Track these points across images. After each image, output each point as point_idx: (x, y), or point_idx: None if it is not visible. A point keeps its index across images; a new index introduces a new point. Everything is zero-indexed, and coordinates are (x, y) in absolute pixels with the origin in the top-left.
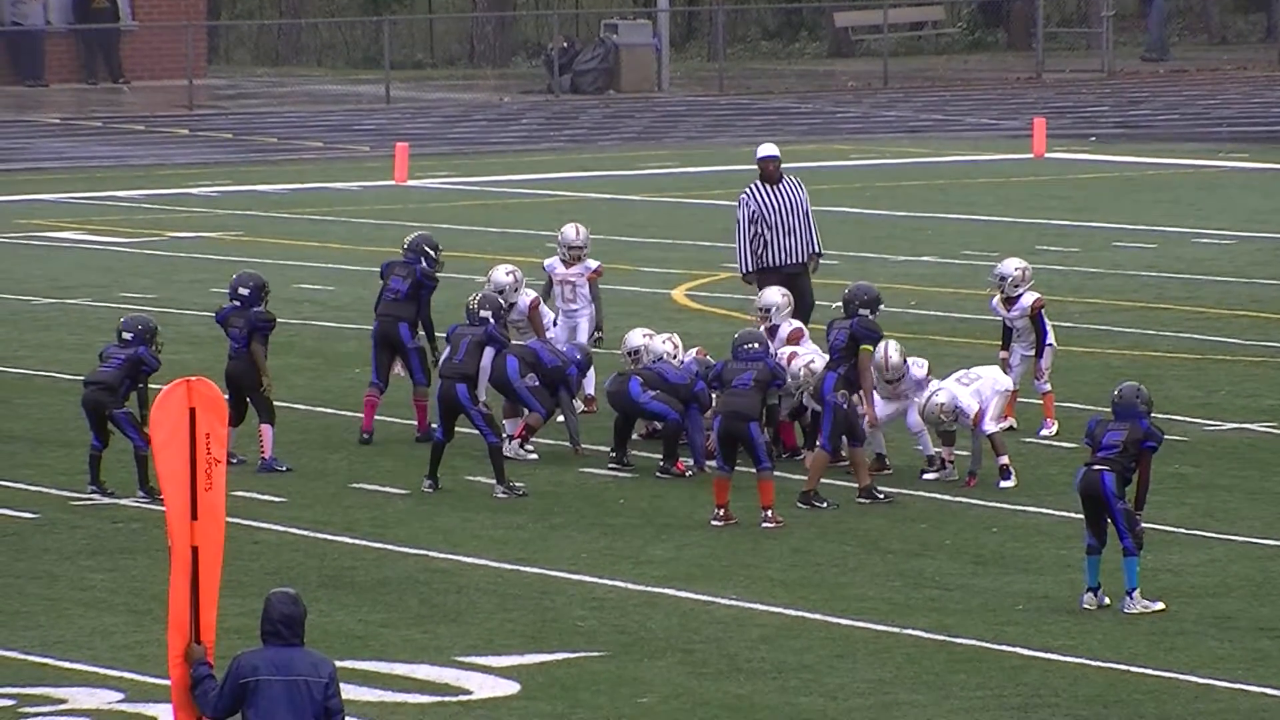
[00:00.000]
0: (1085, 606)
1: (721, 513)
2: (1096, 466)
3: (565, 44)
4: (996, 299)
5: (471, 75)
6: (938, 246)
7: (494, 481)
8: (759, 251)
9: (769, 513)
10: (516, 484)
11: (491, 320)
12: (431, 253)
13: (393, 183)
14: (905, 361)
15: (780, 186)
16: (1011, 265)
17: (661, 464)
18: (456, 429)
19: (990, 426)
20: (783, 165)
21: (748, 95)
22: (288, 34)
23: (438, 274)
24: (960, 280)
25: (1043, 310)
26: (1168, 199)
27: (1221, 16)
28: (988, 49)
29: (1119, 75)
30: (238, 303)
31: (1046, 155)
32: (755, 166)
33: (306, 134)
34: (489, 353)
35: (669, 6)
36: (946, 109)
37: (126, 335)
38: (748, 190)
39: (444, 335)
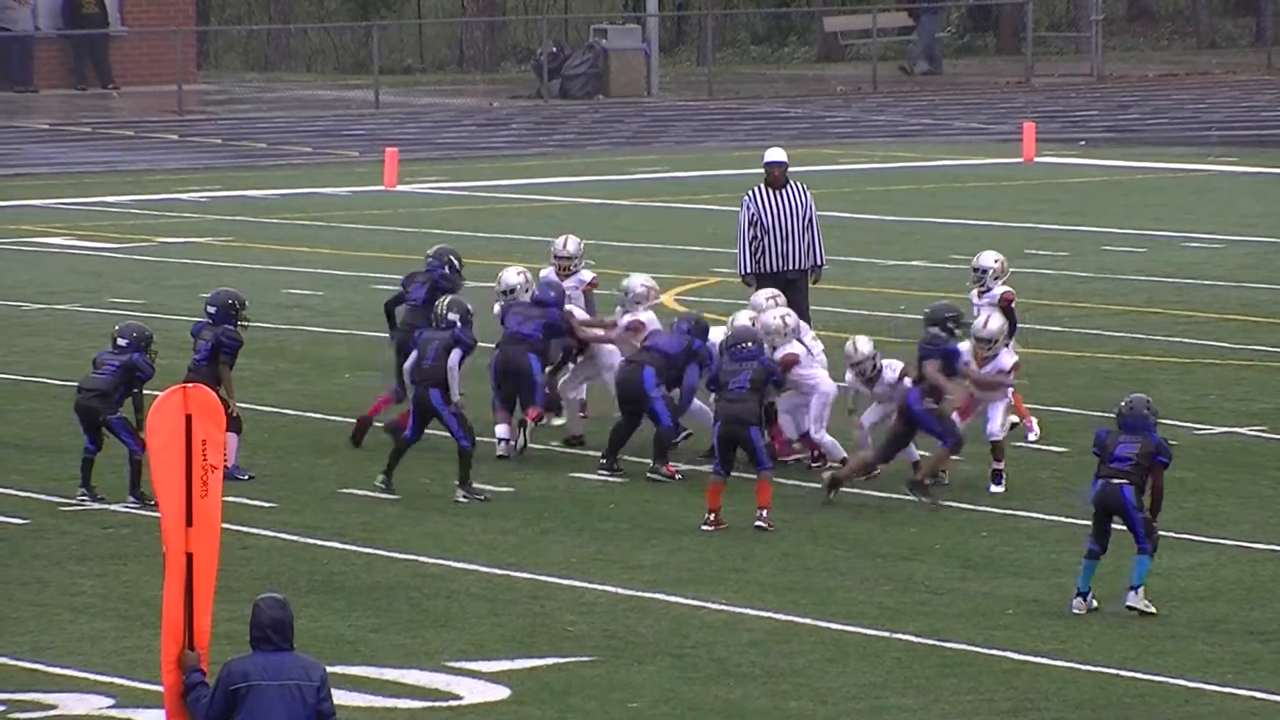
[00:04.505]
0: (1074, 611)
1: (712, 517)
2: (1115, 480)
3: (554, 49)
4: (975, 293)
5: (461, 80)
6: (927, 250)
7: (470, 485)
8: (756, 256)
9: (764, 513)
10: (480, 488)
11: (459, 323)
12: (455, 262)
13: (382, 188)
14: (876, 355)
15: (784, 192)
16: (990, 258)
17: (652, 466)
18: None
19: (998, 432)
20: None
21: (737, 100)
22: (277, 39)
23: (461, 285)
24: (950, 284)
25: (1012, 305)
26: (1157, 203)
27: (1210, 20)
28: (977, 53)
29: (1108, 79)
30: (209, 320)
31: (1036, 159)
32: (752, 171)
33: (296, 139)
34: (456, 354)
35: (658, 11)
36: (936, 113)
37: (121, 341)
38: (749, 193)
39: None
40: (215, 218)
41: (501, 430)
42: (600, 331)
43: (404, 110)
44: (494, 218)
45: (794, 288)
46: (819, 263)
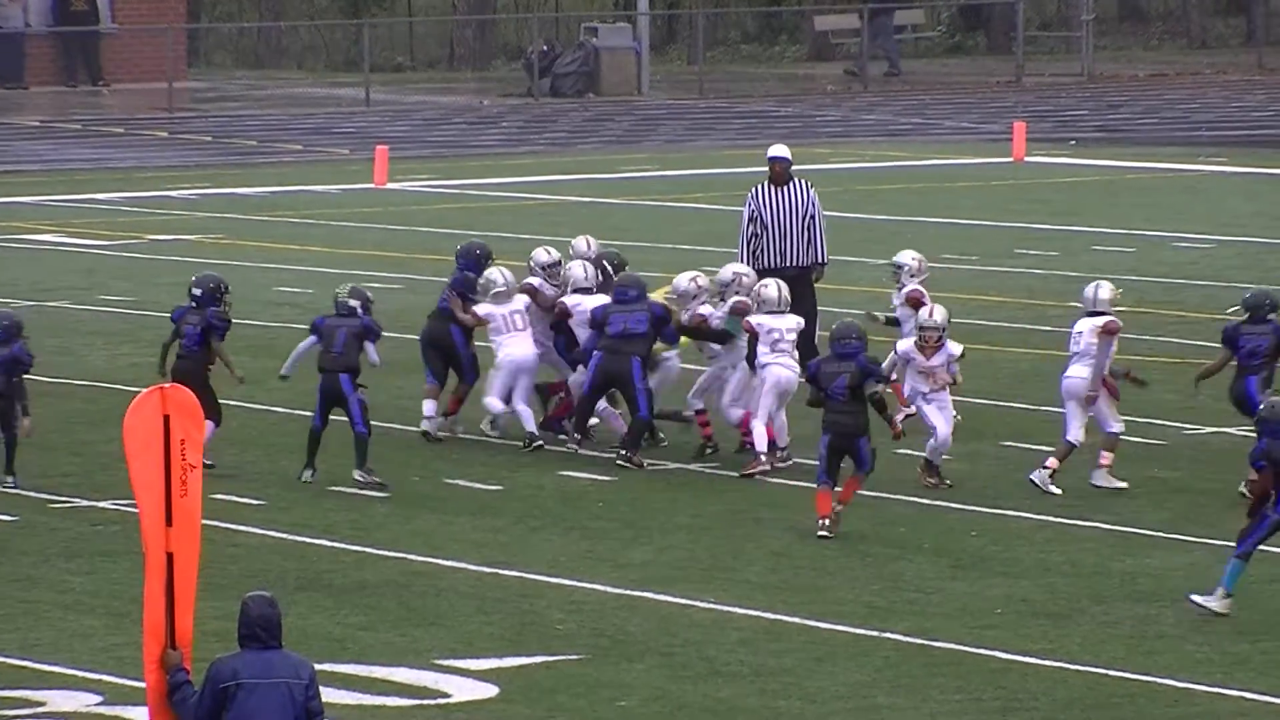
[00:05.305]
0: (1225, 613)
1: (826, 523)
2: None
3: (545, 47)
4: (895, 291)
5: (451, 78)
6: (918, 250)
7: (368, 467)
8: (755, 252)
9: (841, 508)
10: (375, 476)
11: (360, 310)
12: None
13: (372, 186)
14: (946, 328)
15: (786, 189)
16: (907, 255)
17: (622, 452)
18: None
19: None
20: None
21: (727, 99)
22: (267, 37)
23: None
24: (939, 284)
25: (922, 303)
26: (1148, 202)
27: (1201, 20)
28: (968, 52)
29: (1099, 79)
30: (192, 304)
31: (1026, 159)
32: (742, 170)
33: (286, 137)
34: (370, 346)
35: (649, 10)
36: (926, 112)
37: None
38: (752, 190)
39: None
40: (205, 215)
41: (427, 407)
42: (467, 317)
43: (394, 108)
44: (484, 216)
45: (797, 284)
46: (820, 260)
